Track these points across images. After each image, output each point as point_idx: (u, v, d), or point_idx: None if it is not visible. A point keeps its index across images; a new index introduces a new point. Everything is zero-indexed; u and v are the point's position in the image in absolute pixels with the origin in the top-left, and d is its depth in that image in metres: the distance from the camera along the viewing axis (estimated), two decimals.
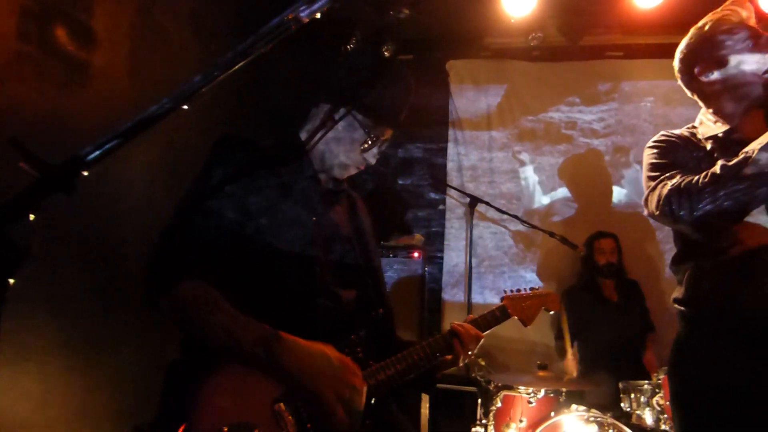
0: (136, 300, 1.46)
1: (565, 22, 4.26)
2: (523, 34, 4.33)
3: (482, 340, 1.82)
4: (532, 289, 2.09)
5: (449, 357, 1.76)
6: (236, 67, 0.85)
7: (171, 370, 1.46)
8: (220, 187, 1.50)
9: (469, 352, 1.76)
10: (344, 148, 1.66)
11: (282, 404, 1.40)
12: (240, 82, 3.16)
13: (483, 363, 3.50)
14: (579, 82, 4.76)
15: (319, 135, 1.66)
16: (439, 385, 3.15)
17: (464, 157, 4.85)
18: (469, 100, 4.89)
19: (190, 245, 1.43)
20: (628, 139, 4.66)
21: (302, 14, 0.92)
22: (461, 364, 1.78)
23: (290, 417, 1.39)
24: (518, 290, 2.06)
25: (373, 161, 1.71)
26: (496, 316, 1.93)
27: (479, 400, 3.37)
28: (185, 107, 0.83)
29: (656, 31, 4.44)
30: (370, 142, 1.66)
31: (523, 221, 4.00)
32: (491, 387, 3.27)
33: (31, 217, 0.74)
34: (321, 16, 0.95)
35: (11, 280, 0.71)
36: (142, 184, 2.79)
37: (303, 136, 1.70)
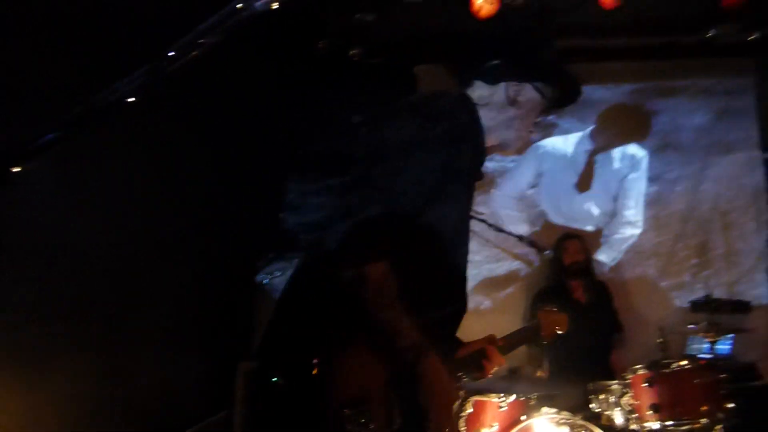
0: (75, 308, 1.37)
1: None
2: None
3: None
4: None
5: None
6: (187, 58, 0.80)
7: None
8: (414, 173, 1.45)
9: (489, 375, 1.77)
10: (527, 121, 1.66)
11: (395, 386, 1.43)
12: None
13: None
14: None
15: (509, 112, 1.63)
16: None
17: None
18: None
19: (385, 234, 1.42)
20: None
21: (257, 4, 0.89)
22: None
23: (398, 401, 1.42)
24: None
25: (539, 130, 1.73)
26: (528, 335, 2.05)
27: None
28: (131, 100, 0.78)
29: (621, 33, 4.52)
30: (544, 109, 1.68)
31: (490, 225, 4.02)
32: (462, 393, 3.26)
33: None
34: (278, 6, 0.92)
35: None
36: (87, 186, 2.61)
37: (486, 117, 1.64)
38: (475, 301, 4.57)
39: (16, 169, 0.70)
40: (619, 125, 4.79)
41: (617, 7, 3.62)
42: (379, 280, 1.39)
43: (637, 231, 4.65)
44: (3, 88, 2.10)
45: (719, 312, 3.38)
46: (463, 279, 1.65)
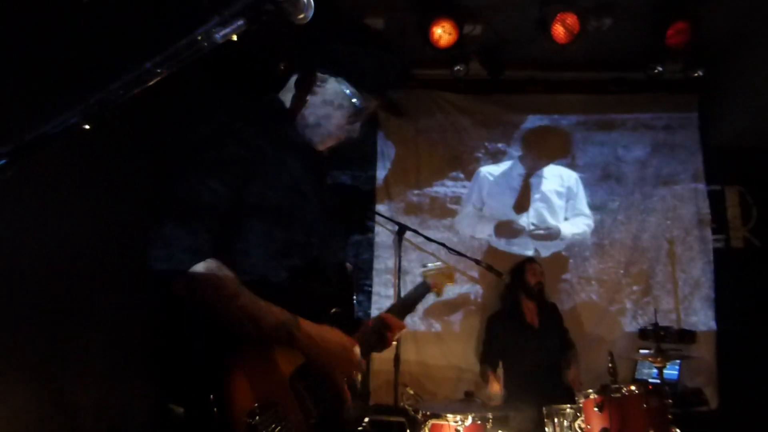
0: None
1: (487, 57, 4.42)
2: (449, 67, 4.45)
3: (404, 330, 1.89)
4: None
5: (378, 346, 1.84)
6: (142, 87, 0.80)
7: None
8: (217, 162, 1.47)
9: (394, 343, 1.86)
10: (332, 118, 1.65)
11: (299, 381, 1.47)
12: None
13: (411, 392, 3.48)
14: (499, 115, 4.95)
15: (308, 101, 1.64)
16: (367, 417, 3.11)
17: (393, 189, 4.91)
18: (396, 126, 4.98)
19: (195, 227, 1.39)
20: None
21: (217, 36, 0.89)
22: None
23: (307, 393, 1.47)
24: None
25: (355, 134, 1.73)
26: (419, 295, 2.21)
27: (407, 431, 3.33)
28: (86, 127, 0.77)
29: (572, 67, 4.71)
30: (357, 113, 1.67)
31: (450, 249, 4.05)
32: (419, 416, 3.26)
33: None
34: (237, 38, 0.92)
35: None
36: (30, 208, 2.51)
37: (286, 102, 1.68)
38: (426, 323, 4.59)
39: None
40: (540, 146, 4.95)
41: (569, 43, 3.77)
42: (209, 278, 1.38)
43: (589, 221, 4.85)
44: None
45: (666, 340, 3.49)
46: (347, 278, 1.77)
